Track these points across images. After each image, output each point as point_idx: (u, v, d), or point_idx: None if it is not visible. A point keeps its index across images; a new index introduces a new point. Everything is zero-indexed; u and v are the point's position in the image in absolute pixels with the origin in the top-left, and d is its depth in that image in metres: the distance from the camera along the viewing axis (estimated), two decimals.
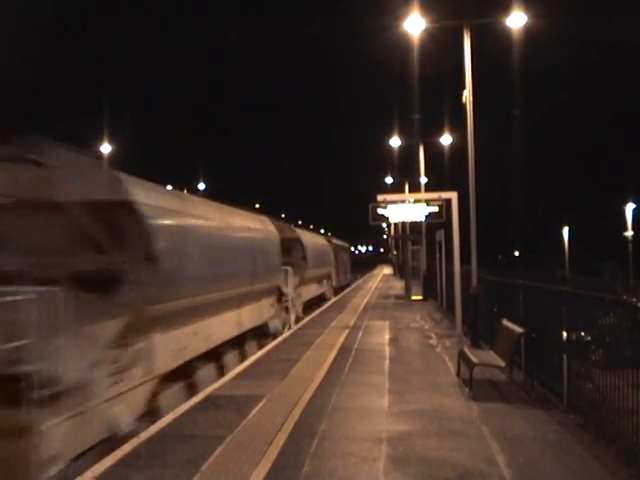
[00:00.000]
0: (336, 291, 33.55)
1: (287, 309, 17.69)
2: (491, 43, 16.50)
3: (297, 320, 18.69)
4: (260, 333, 14.61)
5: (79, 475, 5.64)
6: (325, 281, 29.59)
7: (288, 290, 17.55)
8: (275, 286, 15.83)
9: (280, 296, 16.74)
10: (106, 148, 30.56)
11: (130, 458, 6.04)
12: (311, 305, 23.93)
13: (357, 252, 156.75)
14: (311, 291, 24.36)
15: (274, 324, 15.86)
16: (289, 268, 17.99)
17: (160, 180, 10.30)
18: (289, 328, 17.00)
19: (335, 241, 40.23)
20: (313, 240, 26.21)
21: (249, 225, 13.94)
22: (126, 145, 34.54)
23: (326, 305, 25.14)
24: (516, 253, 75.68)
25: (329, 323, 17.41)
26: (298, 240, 21.32)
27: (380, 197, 16.63)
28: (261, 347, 13.55)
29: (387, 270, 75.86)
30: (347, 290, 36.43)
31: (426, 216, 16.74)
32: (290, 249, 19.98)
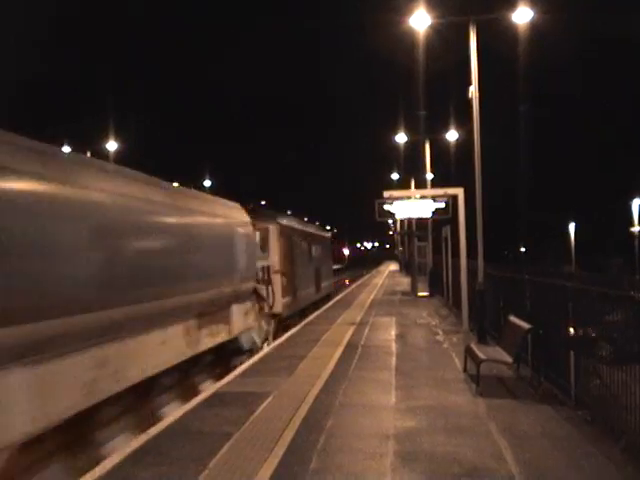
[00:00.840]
0: (287, 323, 17.51)
1: None
2: (497, 39, 16.45)
3: None
4: None
5: (87, 472, 5.68)
6: (242, 310, 12.73)
7: None
8: None
9: None
10: (112, 145, 30.79)
11: (137, 455, 6.07)
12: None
13: (363, 248, 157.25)
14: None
15: None
16: None
17: (162, 179, 10.27)
18: None
19: (287, 221, 19.56)
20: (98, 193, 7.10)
21: None
22: (131, 143, 34.69)
23: (331, 302, 25.06)
24: (522, 249, 75.53)
25: (335, 320, 17.43)
26: None
27: (386, 193, 16.55)
28: None
29: (393, 266, 75.81)
30: (335, 299, 25.85)
31: (432, 212, 16.71)
32: None
